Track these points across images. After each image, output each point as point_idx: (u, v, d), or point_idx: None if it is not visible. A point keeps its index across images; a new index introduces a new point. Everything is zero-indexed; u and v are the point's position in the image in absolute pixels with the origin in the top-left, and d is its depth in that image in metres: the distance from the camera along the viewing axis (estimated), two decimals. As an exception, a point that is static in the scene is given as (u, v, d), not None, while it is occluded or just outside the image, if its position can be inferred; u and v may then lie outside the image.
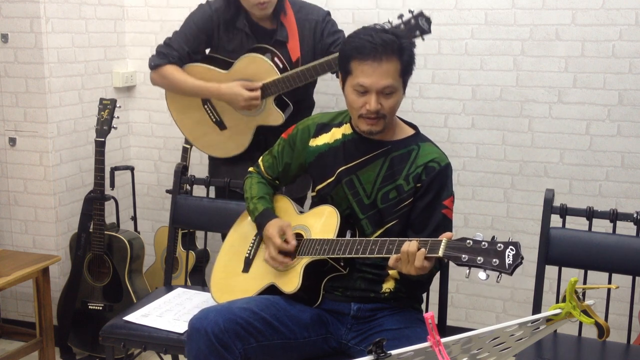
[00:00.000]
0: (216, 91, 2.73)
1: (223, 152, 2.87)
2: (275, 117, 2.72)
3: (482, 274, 1.68)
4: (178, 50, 2.76)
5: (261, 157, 2.34)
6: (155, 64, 2.78)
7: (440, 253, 1.76)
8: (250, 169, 2.35)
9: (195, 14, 2.79)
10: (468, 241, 1.73)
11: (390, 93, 1.97)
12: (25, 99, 3.17)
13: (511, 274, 1.66)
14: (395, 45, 1.95)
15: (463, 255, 1.71)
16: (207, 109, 2.82)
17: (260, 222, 2.16)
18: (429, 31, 2.47)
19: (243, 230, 2.33)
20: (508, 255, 1.66)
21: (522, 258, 1.67)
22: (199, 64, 2.79)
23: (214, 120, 2.83)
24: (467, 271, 1.73)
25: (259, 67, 2.67)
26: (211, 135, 2.86)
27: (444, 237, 1.78)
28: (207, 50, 2.86)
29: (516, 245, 1.67)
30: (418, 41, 3.12)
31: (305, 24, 2.76)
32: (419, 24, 2.49)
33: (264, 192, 2.24)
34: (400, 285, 2.09)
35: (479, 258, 1.69)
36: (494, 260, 1.67)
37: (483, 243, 1.70)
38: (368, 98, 1.97)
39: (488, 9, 3.06)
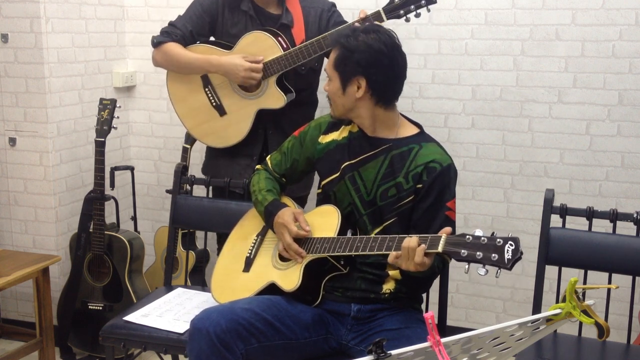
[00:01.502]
0: (216, 61, 2.71)
1: (222, 141, 2.83)
2: (276, 98, 2.69)
3: (481, 270, 1.69)
4: (181, 29, 2.77)
5: (269, 156, 2.36)
6: (158, 41, 2.78)
7: (440, 249, 1.76)
8: (258, 166, 2.37)
9: None
10: (467, 237, 1.73)
11: (329, 80, 2.11)
12: (25, 99, 3.17)
13: (510, 269, 1.67)
14: (340, 39, 2.07)
15: (462, 251, 1.72)
16: (208, 92, 2.80)
17: (271, 210, 2.17)
18: (434, 1, 2.46)
19: (244, 231, 2.33)
20: (507, 250, 1.67)
21: (522, 253, 1.68)
22: (201, 44, 2.79)
23: (214, 104, 2.79)
24: (467, 266, 1.73)
25: (262, 44, 2.66)
26: (210, 122, 2.82)
27: (443, 233, 1.79)
28: (211, 39, 2.86)
29: (515, 240, 1.68)
30: (418, 40, 3.15)
31: (310, 11, 2.76)
32: None
33: (271, 186, 2.26)
34: (400, 285, 2.09)
35: (478, 253, 1.70)
36: (493, 255, 1.67)
37: (482, 238, 1.71)
38: None
39: (488, 9, 3.06)
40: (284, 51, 2.64)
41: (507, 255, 1.66)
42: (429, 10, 2.54)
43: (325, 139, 2.21)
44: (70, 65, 3.26)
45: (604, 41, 2.93)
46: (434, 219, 2.03)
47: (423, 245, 1.79)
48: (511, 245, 1.67)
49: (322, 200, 2.20)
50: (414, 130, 2.16)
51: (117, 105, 3.09)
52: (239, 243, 2.31)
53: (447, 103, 3.18)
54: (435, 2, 2.52)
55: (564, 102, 3.03)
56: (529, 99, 3.07)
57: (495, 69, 3.10)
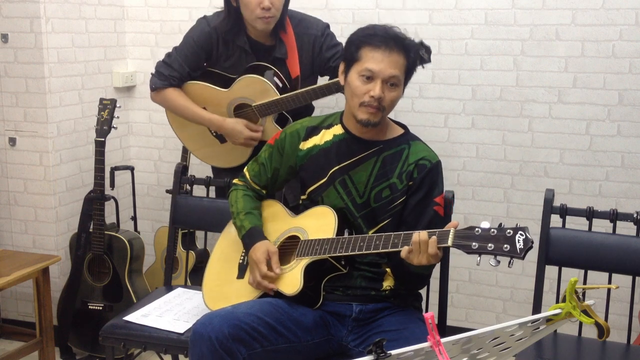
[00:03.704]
0: (218, 123, 2.74)
1: (223, 163, 2.89)
2: (275, 133, 2.71)
3: (492, 261, 1.71)
4: (178, 71, 2.75)
5: (246, 167, 2.32)
6: (156, 87, 2.78)
7: (450, 242, 1.78)
8: (235, 180, 2.33)
9: (194, 32, 2.77)
10: (477, 229, 1.75)
11: (394, 85, 2.02)
12: (25, 99, 3.17)
13: (523, 258, 1.70)
14: (405, 41, 2.03)
15: (473, 244, 1.74)
16: None
17: (248, 242, 2.14)
18: (428, 60, 2.47)
19: (233, 237, 2.29)
20: (518, 240, 1.69)
21: (532, 242, 1.70)
22: (198, 82, 2.78)
23: (214, 134, 2.84)
24: (478, 259, 1.75)
25: (258, 88, 2.68)
26: (211, 147, 2.87)
27: (450, 227, 1.80)
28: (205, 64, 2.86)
29: (525, 229, 1.71)
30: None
31: (304, 38, 2.74)
32: (419, 54, 2.48)
33: (250, 207, 2.22)
34: (399, 282, 2.10)
35: (489, 245, 1.72)
36: (505, 246, 1.70)
37: (492, 230, 1.73)
38: (373, 85, 2.00)
39: (488, 9, 3.06)
40: (280, 91, 2.66)
41: (519, 245, 1.69)
42: (423, 68, 2.43)
43: (305, 145, 2.18)
44: (70, 65, 3.26)
45: (604, 41, 2.93)
46: (423, 214, 2.05)
47: (434, 237, 1.81)
48: (521, 234, 1.70)
49: (307, 207, 2.18)
50: (400, 131, 2.16)
51: (117, 105, 3.09)
52: (229, 250, 2.28)
53: (447, 103, 3.18)
54: (430, 62, 2.44)
55: (564, 102, 3.03)
56: (529, 99, 3.07)
57: (495, 69, 3.10)
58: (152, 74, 2.81)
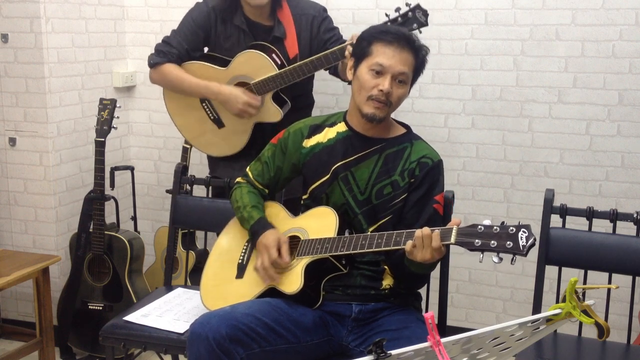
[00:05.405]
0: (216, 89, 2.73)
1: (221, 151, 2.87)
2: (273, 113, 2.72)
3: (495, 258, 1.71)
4: (177, 48, 2.76)
5: (249, 167, 2.32)
6: (154, 62, 2.78)
7: (453, 240, 1.78)
8: (239, 179, 2.33)
9: (192, 12, 2.80)
10: (479, 227, 1.75)
11: (402, 82, 2.05)
12: (25, 99, 3.17)
13: (526, 255, 1.70)
14: (416, 42, 2.06)
15: (476, 241, 1.74)
16: (205, 106, 2.82)
17: (257, 230, 2.14)
18: (426, 24, 2.49)
19: (233, 237, 2.30)
20: (521, 237, 1.70)
21: (535, 239, 1.70)
22: (197, 61, 2.79)
23: (212, 117, 2.83)
24: (481, 256, 1.75)
25: (257, 64, 2.68)
26: (209, 133, 2.86)
27: (453, 225, 1.81)
28: (205, 49, 2.87)
29: (528, 227, 1.71)
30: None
31: (302, 18, 2.77)
32: (416, 17, 2.52)
33: (255, 202, 2.22)
34: (398, 282, 2.10)
35: (492, 242, 1.72)
36: (508, 243, 1.70)
37: (495, 228, 1.73)
38: (382, 80, 2.03)
39: (488, 9, 3.06)
40: (278, 68, 2.66)
41: (522, 241, 1.69)
42: (420, 32, 2.53)
43: (309, 142, 2.19)
44: (70, 65, 3.26)
45: (604, 41, 2.93)
46: (422, 211, 2.06)
47: (437, 232, 1.80)
48: (524, 232, 1.70)
49: (308, 206, 2.18)
50: (403, 130, 2.18)
51: (117, 105, 3.09)
52: (227, 250, 2.28)
53: (447, 103, 3.18)
54: (427, 25, 2.52)
55: (564, 102, 3.03)
56: (529, 99, 3.07)
57: (495, 69, 3.10)
58: (151, 54, 2.82)
